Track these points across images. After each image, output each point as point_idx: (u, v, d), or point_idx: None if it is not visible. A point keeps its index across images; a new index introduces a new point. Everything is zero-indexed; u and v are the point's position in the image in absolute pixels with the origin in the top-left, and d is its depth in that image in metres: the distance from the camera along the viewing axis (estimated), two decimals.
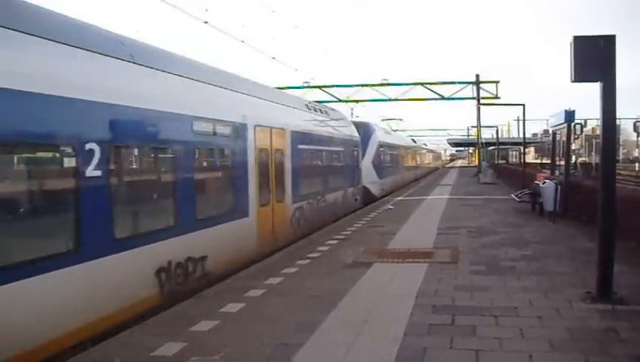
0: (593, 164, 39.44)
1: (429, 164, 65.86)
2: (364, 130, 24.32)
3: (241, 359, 5.15)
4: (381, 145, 26.47)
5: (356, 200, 20.05)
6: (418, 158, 49.25)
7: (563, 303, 6.67)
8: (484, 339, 5.49)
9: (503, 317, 6.17)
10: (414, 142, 50.75)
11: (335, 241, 11.86)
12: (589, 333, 5.66)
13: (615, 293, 6.74)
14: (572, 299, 6.79)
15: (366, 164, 23.16)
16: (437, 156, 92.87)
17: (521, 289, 7.42)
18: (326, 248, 11.05)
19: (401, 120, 39.51)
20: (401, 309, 6.53)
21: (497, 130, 54.52)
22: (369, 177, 23.50)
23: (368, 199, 22.35)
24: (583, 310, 6.42)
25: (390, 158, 30.57)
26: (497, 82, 39.96)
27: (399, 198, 23.59)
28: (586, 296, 6.81)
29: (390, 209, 19.09)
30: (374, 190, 24.37)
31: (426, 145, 71.52)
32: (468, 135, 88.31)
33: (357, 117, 32.37)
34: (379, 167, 25.61)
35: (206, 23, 16.68)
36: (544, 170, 28.00)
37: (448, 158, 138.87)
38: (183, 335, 5.72)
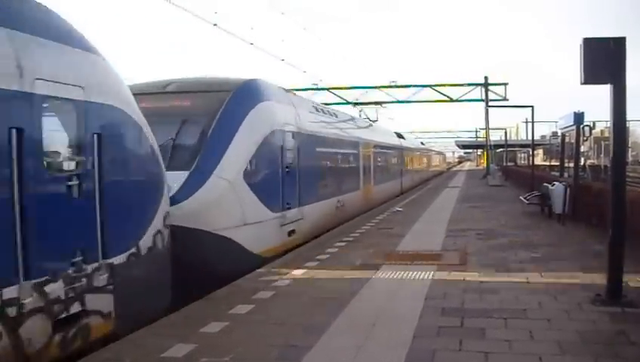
0: (602, 167, 39.24)
1: (427, 168, 50.28)
2: (232, 97, 10.38)
3: (251, 361, 5.18)
4: (291, 133, 12.26)
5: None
6: (406, 161, 33.63)
7: (572, 306, 6.65)
8: (494, 342, 5.48)
9: (512, 320, 6.16)
10: (401, 137, 33.61)
11: (343, 243, 11.88)
12: (599, 336, 5.64)
13: (625, 296, 6.71)
14: (581, 302, 6.77)
15: (227, 176, 9.50)
16: (440, 158, 75.71)
17: (530, 291, 7.40)
18: (335, 250, 11.06)
19: (381, 105, 31.25)
20: (410, 311, 6.53)
21: (506, 132, 54.62)
22: (232, 212, 9.58)
23: (226, 270, 8.73)
24: (592, 312, 6.39)
25: (324, 162, 15.45)
26: (506, 84, 40.05)
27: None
28: (595, 298, 6.77)
29: (399, 211, 19.05)
30: (253, 241, 10.03)
31: (423, 143, 56.74)
32: (476, 137, 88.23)
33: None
34: (275, 182, 11.27)
35: (215, 25, 16.79)
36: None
37: (456, 160, 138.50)
38: (193, 337, 5.75)
